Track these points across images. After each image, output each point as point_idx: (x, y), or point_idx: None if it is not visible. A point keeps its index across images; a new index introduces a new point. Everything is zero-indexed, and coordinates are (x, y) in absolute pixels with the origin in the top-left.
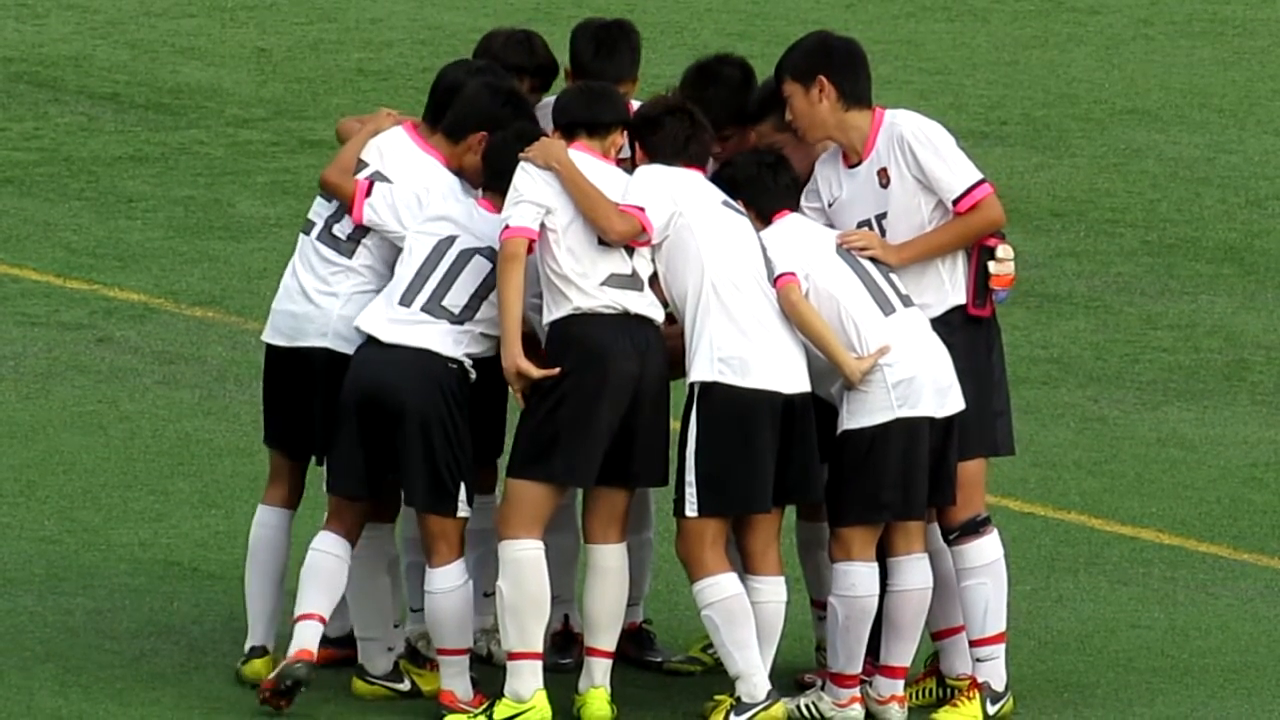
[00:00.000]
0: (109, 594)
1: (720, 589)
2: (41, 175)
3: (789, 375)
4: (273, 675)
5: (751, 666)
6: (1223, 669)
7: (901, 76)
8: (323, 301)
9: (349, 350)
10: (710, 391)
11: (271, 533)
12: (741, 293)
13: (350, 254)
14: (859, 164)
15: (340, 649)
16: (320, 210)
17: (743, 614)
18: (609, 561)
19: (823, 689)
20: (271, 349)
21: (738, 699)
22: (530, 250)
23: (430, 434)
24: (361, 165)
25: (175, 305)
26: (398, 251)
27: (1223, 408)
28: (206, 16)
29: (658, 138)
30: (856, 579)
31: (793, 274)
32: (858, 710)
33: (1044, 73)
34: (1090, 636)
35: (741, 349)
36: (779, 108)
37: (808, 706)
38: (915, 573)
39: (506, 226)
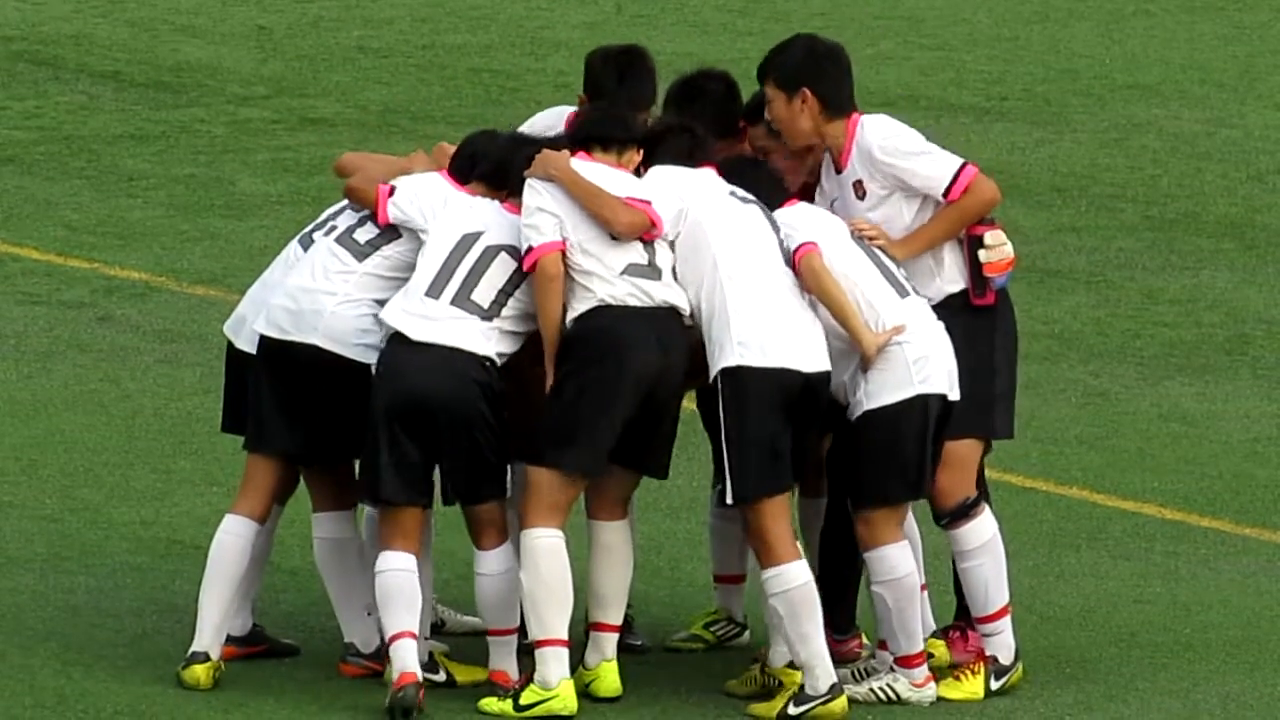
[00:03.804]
0: (111, 573)
1: (784, 579)
2: (42, 154)
3: (808, 355)
4: (387, 705)
5: (815, 658)
6: (1225, 644)
7: (902, 52)
8: (320, 299)
9: (336, 350)
10: (734, 375)
11: (237, 541)
12: (757, 279)
13: (362, 258)
14: (843, 173)
15: (242, 646)
16: (348, 216)
17: (807, 605)
18: (614, 537)
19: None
20: (264, 341)
21: (800, 687)
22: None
23: (474, 434)
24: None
25: (176, 283)
26: (413, 259)
27: (1224, 382)
28: None
29: (661, 149)
30: (893, 561)
31: (813, 243)
32: (933, 689)
33: (1045, 48)
34: (1092, 612)
35: (759, 331)
36: None
37: (883, 689)
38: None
39: (531, 248)
